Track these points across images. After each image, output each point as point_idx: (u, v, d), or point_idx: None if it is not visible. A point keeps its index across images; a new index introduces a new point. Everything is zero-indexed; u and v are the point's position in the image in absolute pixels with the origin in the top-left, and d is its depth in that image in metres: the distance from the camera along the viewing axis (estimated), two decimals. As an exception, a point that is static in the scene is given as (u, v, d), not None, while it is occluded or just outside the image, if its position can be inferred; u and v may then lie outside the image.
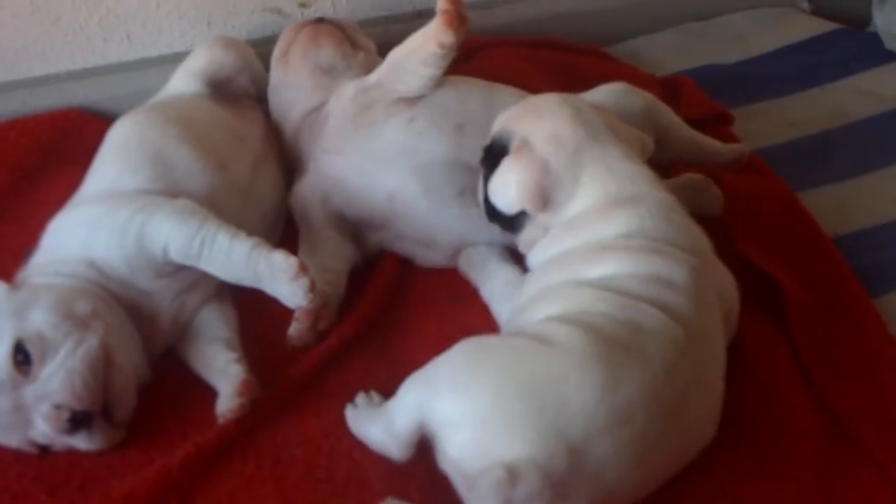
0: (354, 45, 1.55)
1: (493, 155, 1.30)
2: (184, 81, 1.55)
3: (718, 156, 1.60)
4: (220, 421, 1.24)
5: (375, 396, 1.28)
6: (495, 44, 1.86)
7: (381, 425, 1.18)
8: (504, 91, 1.49)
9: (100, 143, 1.44)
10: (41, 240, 1.33)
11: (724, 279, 1.26)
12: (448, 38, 1.35)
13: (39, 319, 1.20)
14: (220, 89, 1.55)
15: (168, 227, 1.26)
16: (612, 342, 1.09)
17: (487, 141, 1.33)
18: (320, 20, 1.57)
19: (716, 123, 1.74)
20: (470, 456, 1.06)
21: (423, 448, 1.15)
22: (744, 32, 2.07)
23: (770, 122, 1.84)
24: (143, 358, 1.28)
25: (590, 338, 1.09)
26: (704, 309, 1.18)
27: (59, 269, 1.27)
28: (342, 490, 1.19)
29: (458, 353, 1.13)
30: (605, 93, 1.54)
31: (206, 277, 1.33)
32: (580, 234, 1.23)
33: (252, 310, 1.39)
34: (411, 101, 1.43)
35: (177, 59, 1.65)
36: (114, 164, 1.38)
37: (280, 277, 1.24)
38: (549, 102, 1.31)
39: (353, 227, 1.47)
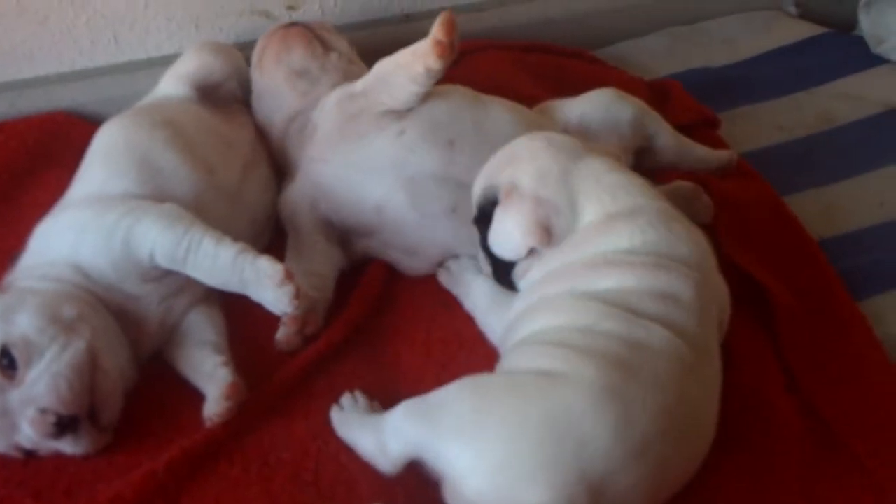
0: (325, 45, 1.55)
1: (486, 213, 1.29)
2: (172, 85, 1.54)
3: (706, 162, 1.61)
4: (208, 424, 1.24)
5: (360, 398, 1.28)
6: (485, 47, 1.86)
7: (372, 439, 1.18)
8: (496, 104, 1.48)
9: (87, 146, 1.43)
10: (28, 243, 1.33)
11: (719, 286, 1.25)
12: (437, 65, 1.35)
13: (25, 323, 1.19)
14: (208, 94, 1.55)
15: (154, 231, 1.26)
16: (624, 371, 1.08)
17: (475, 207, 1.32)
18: (292, 24, 1.57)
19: (703, 127, 1.75)
20: (488, 501, 1.05)
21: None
22: (731, 36, 2.08)
23: (757, 126, 1.85)
24: (130, 362, 1.28)
25: (601, 371, 1.07)
26: (706, 323, 1.18)
27: (46, 272, 1.27)
28: (329, 493, 1.19)
29: (460, 397, 1.11)
30: (593, 99, 1.54)
31: (193, 282, 1.32)
32: (577, 250, 1.21)
33: (240, 313, 1.38)
34: (401, 113, 1.42)
35: (165, 61, 1.65)
36: (101, 167, 1.38)
37: (265, 284, 1.24)
38: (520, 144, 1.30)
39: (341, 234, 1.47)
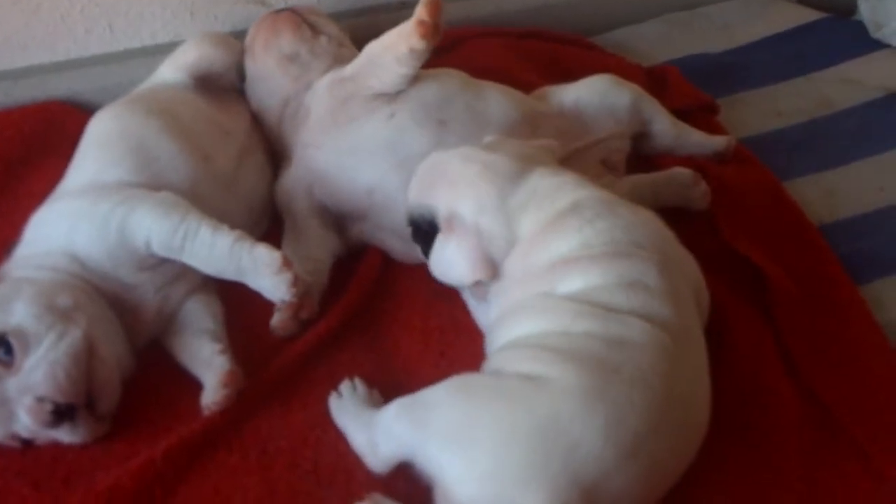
0: (314, 29, 1.54)
1: (423, 232, 1.29)
2: (170, 73, 1.54)
3: (704, 147, 1.61)
4: (206, 412, 1.24)
5: (359, 386, 1.27)
6: (481, 34, 1.85)
7: (364, 436, 1.18)
8: (489, 87, 1.48)
9: (83, 135, 1.42)
10: (24, 233, 1.32)
11: (685, 262, 1.23)
12: (420, 45, 1.35)
13: (21, 312, 1.19)
14: (206, 83, 1.54)
15: (150, 220, 1.25)
16: (607, 371, 1.07)
17: (407, 218, 1.31)
18: (281, 10, 1.57)
19: (702, 113, 1.74)
20: None
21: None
22: (730, 22, 2.07)
23: (756, 112, 1.84)
24: (126, 350, 1.28)
25: (586, 373, 1.06)
26: (681, 305, 1.16)
27: (42, 262, 1.26)
28: (328, 481, 1.19)
29: (451, 401, 1.11)
30: (590, 85, 1.54)
31: (190, 270, 1.32)
32: (535, 255, 1.20)
33: (237, 301, 1.38)
34: (391, 96, 1.42)
35: (160, 50, 1.64)
36: (96, 156, 1.37)
37: (263, 271, 1.24)
38: (455, 166, 1.27)
39: (336, 219, 1.46)
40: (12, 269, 1.28)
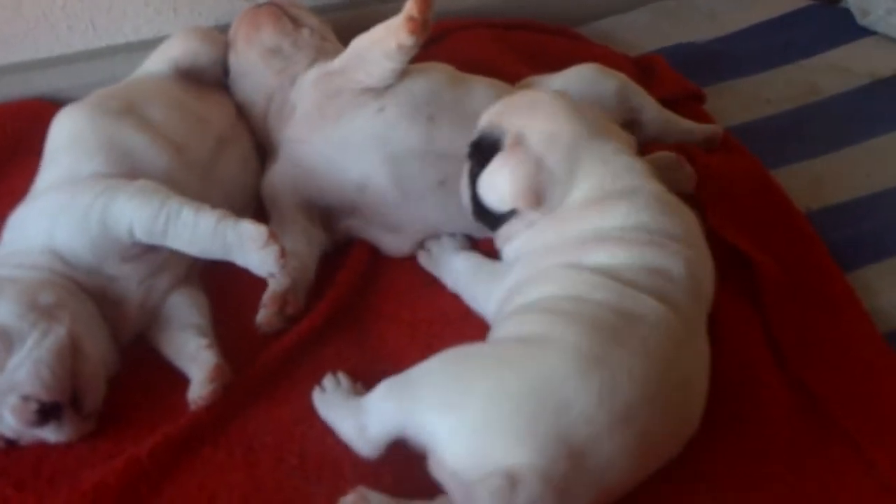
0: (296, 22, 1.54)
1: (483, 150, 1.28)
2: (155, 66, 1.54)
3: (692, 135, 1.60)
4: (193, 407, 1.23)
5: (343, 380, 1.27)
6: (467, 26, 1.84)
7: (352, 422, 1.17)
8: (476, 80, 1.48)
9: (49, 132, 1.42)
10: (2, 233, 1.32)
11: (707, 263, 1.25)
12: (408, 41, 1.35)
13: (4, 311, 1.18)
14: (189, 76, 1.54)
15: (131, 207, 1.24)
16: (611, 337, 1.07)
17: (474, 135, 1.31)
18: (262, 4, 1.56)
19: (689, 102, 1.74)
20: (468, 466, 1.04)
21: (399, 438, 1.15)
22: (716, 10, 2.07)
23: (744, 100, 1.84)
24: (111, 347, 1.27)
25: (587, 337, 1.07)
26: (698, 301, 1.18)
27: (22, 261, 1.25)
28: (315, 476, 1.19)
29: (440, 366, 1.11)
30: (577, 74, 1.53)
31: (173, 261, 1.32)
32: (572, 225, 1.21)
33: (222, 296, 1.38)
34: (379, 91, 1.41)
35: (144, 46, 1.63)
36: (69, 151, 1.37)
37: (249, 246, 1.23)
38: (545, 98, 1.29)
39: (323, 214, 1.46)
40: (-7, 270, 1.27)
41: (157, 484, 1.17)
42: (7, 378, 1.15)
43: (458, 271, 1.37)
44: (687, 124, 1.61)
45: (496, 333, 1.18)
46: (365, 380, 1.27)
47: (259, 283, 1.33)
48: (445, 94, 1.42)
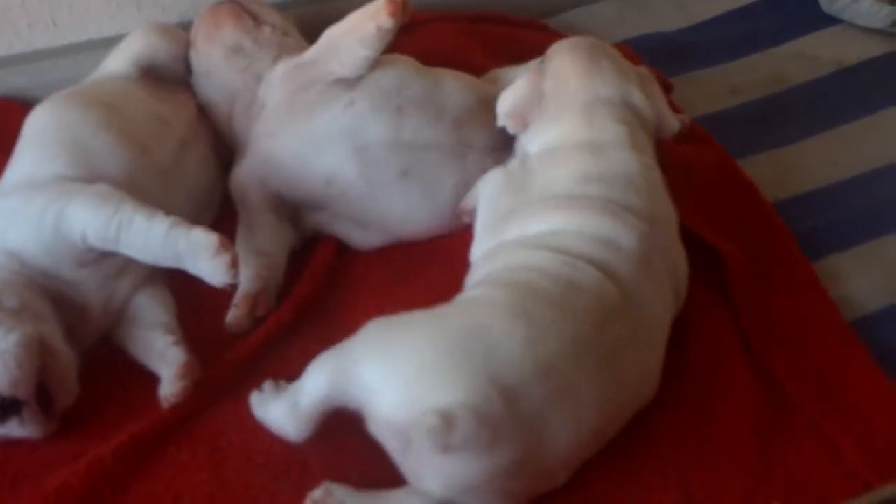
0: (256, 19, 1.53)
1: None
2: (116, 64, 1.52)
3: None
4: (165, 405, 1.23)
5: (284, 385, 1.25)
6: (433, 19, 1.83)
7: (283, 404, 1.17)
8: (442, 71, 1.48)
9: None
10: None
11: (677, 253, 1.27)
12: (388, 23, 1.36)
13: None
14: (151, 74, 1.53)
15: (84, 212, 1.23)
16: (540, 297, 1.11)
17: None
18: (222, 2, 1.55)
19: (656, 92, 1.74)
20: (403, 413, 1.05)
21: (364, 430, 1.14)
22: (684, 0, 2.06)
23: (711, 89, 1.84)
24: (70, 348, 1.25)
25: (513, 293, 1.11)
26: (647, 275, 1.19)
27: (-19, 262, 1.24)
28: (281, 474, 1.18)
29: (374, 327, 1.13)
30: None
31: (134, 264, 1.30)
32: (543, 172, 1.27)
33: (188, 294, 1.36)
34: (349, 83, 1.41)
35: (107, 43, 1.61)
36: (31, 152, 1.35)
37: (201, 255, 1.21)
38: (584, 44, 1.38)
39: (292, 209, 1.45)
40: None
41: (121, 484, 1.16)
42: None
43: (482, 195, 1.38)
44: None
45: None
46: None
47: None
48: (414, 86, 1.43)
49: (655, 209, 1.24)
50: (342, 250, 1.47)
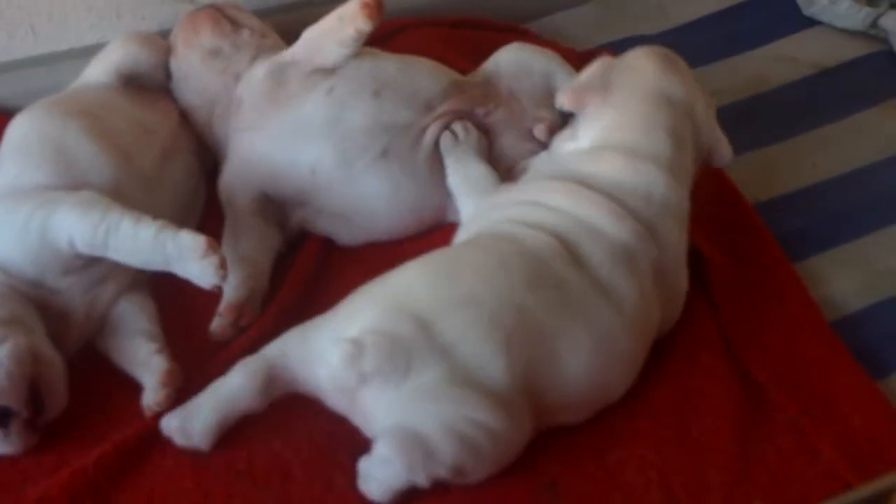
0: (235, 23, 1.54)
1: None
2: (96, 73, 1.52)
3: None
4: (148, 414, 1.23)
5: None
6: (414, 24, 1.83)
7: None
8: (415, 58, 1.52)
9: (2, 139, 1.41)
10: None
11: (677, 278, 1.30)
12: (366, 26, 1.39)
13: None
14: (132, 83, 1.53)
15: (71, 219, 1.23)
16: (467, 243, 1.23)
17: None
18: (200, 8, 1.56)
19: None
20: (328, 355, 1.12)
21: (348, 438, 1.16)
22: (664, 4, 2.06)
23: (692, 92, 1.84)
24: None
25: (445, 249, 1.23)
26: (628, 272, 1.22)
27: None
28: (263, 481, 1.18)
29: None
30: (507, 50, 1.58)
31: (117, 270, 1.31)
32: (576, 163, 1.32)
33: (171, 302, 1.37)
34: (327, 72, 1.44)
35: (87, 52, 1.61)
36: (14, 161, 1.35)
37: (189, 256, 1.22)
38: (658, 55, 1.41)
39: (278, 209, 1.46)
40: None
41: (104, 495, 1.16)
42: None
43: (465, 175, 1.42)
44: None
45: None
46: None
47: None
48: (390, 70, 1.46)
49: (663, 230, 1.28)
50: (324, 257, 1.47)
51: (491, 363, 1.11)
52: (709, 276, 1.39)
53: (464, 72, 1.62)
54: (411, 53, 1.62)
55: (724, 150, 1.41)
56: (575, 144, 1.36)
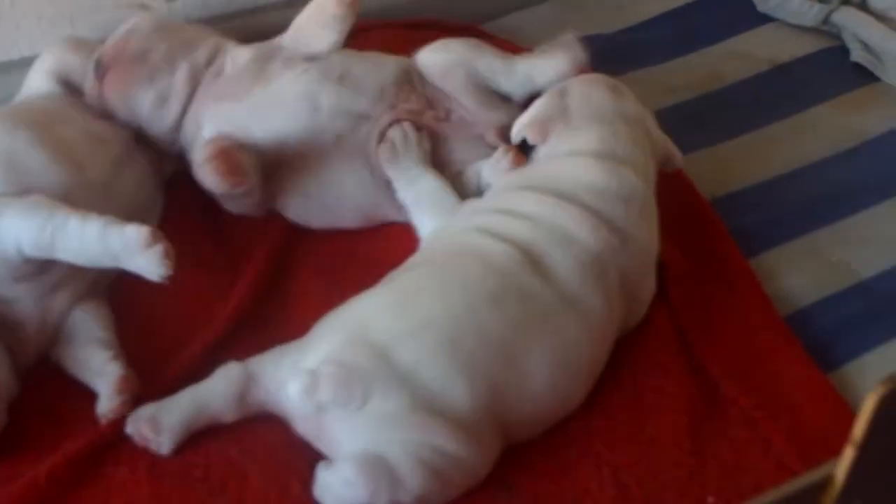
0: (143, 59, 1.50)
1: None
2: (36, 81, 1.51)
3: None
4: (103, 422, 1.22)
5: None
6: (371, 27, 1.83)
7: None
8: (382, 55, 1.56)
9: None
10: None
11: (644, 278, 1.32)
12: (339, 10, 1.44)
13: None
14: (75, 90, 1.51)
15: (17, 222, 1.22)
16: (428, 263, 1.23)
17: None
18: (100, 70, 1.50)
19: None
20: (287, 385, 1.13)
21: (308, 443, 1.17)
22: (621, 2, 2.07)
23: (649, 89, 1.83)
24: (8, 371, 1.25)
25: (405, 269, 1.22)
26: (596, 283, 1.23)
27: None
28: (219, 489, 1.18)
29: None
30: (429, 50, 1.56)
31: (71, 278, 1.30)
32: (553, 168, 1.34)
33: (127, 310, 1.36)
34: (307, 58, 1.48)
35: (39, 61, 1.60)
36: None
37: (135, 249, 1.20)
38: (604, 80, 1.45)
39: None
40: None
41: (57, 506, 1.15)
42: None
43: (418, 191, 1.42)
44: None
45: None
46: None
47: (165, 295, 1.31)
48: (354, 61, 1.50)
49: (637, 234, 1.29)
50: (281, 258, 1.47)
51: (453, 388, 1.11)
52: (663, 272, 1.40)
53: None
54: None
55: (676, 154, 1.45)
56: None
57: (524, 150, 1.43)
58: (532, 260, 1.21)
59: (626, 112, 1.39)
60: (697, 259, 1.46)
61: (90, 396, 1.26)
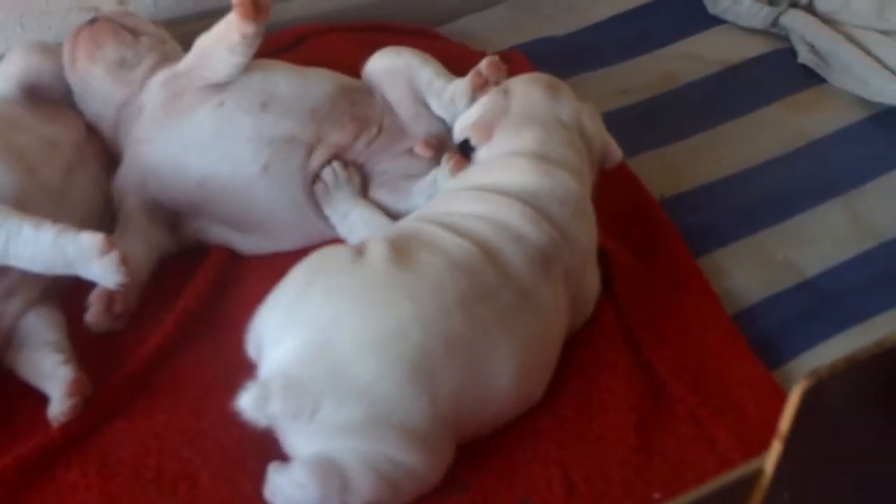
0: (135, 32, 1.53)
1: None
2: None
3: None
4: (54, 425, 1.22)
5: None
6: (323, 31, 1.83)
7: None
8: (314, 70, 1.53)
9: None
10: None
11: (588, 275, 1.34)
12: (248, 28, 1.37)
13: None
14: (34, 94, 1.51)
15: None
16: (396, 260, 1.17)
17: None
18: (93, 20, 1.54)
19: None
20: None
21: (259, 441, 1.16)
22: (574, 4, 2.09)
23: (602, 91, 1.86)
24: None
25: (379, 258, 1.17)
26: (546, 278, 1.24)
27: None
28: (170, 489, 1.18)
29: None
30: (378, 57, 1.57)
31: (25, 283, 1.29)
32: (491, 169, 1.35)
33: (77, 314, 1.35)
34: (220, 86, 1.45)
35: (-9, 63, 1.59)
36: None
37: (89, 256, 1.21)
38: (543, 80, 1.45)
39: (170, 217, 1.46)
40: None
41: (6, 510, 1.15)
42: None
43: (353, 223, 1.44)
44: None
45: None
46: (226, 389, 1.26)
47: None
48: (280, 82, 1.47)
49: (575, 233, 1.30)
50: (231, 261, 1.47)
51: (413, 401, 1.10)
52: (611, 270, 1.42)
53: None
54: (318, 60, 1.62)
55: (614, 151, 1.46)
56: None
57: (464, 150, 1.44)
58: (490, 256, 1.21)
59: (561, 114, 1.39)
60: (646, 258, 1.48)
61: (42, 400, 1.25)
